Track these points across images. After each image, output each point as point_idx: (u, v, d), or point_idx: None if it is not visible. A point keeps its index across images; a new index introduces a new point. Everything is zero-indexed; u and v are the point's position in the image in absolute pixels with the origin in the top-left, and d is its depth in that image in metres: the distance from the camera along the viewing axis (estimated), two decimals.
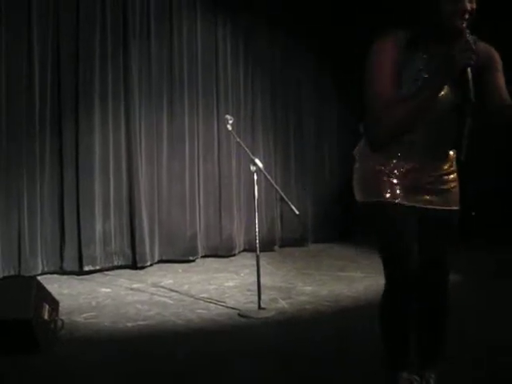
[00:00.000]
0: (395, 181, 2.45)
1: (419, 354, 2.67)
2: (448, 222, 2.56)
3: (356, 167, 2.60)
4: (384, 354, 2.62)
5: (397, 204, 2.44)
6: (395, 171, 2.45)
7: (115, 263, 6.06)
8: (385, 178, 2.45)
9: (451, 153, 2.54)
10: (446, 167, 2.53)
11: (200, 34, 6.63)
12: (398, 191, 2.44)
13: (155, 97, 6.34)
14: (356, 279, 5.45)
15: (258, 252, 4.46)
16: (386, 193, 2.44)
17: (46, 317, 3.63)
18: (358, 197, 2.56)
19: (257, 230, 4.49)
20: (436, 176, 2.50)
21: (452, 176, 2.55)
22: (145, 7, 6.26)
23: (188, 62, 6.54)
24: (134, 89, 6.14)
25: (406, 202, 2.45)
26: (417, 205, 2.47)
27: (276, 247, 7.10)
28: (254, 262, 4.52)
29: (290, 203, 4.44)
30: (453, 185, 2.55)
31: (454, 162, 2.56)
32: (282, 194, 4.55)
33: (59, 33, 5.78)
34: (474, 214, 6.41)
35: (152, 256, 6.23)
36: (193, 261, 6.43)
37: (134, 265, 6.08)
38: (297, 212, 4.38)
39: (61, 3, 5.78)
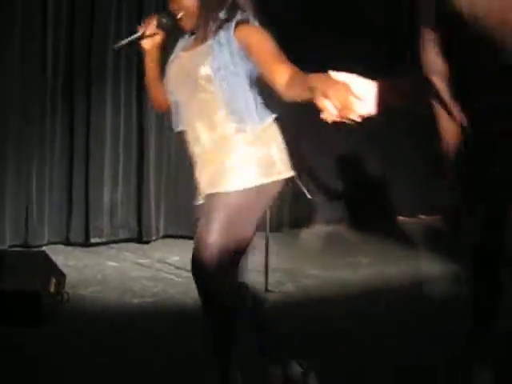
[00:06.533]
0: None
1: None
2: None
3: None
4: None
5: None
6: None
7: (121, 236, 6.04)
8: None
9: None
10: None
11: None
12: None
13: None
14: (362, 264, 5.41)
15: (267, 233, 4.41)
16: None
17: (52, 290, 3.62)
18: None
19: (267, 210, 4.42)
20: None
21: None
22: None
23: None
24: None
25: None
26: None
27: (284, 228, 7.03)
28: (261, 242, 4.46)
29: (301, 185, 4.38)
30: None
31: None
32: (296, 177, 4.47)
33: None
34: None
35: (157, 231, 6.21)
36: None
37: (140, 238, 6.06)
38: (309, 196, 4.33)
39: None
